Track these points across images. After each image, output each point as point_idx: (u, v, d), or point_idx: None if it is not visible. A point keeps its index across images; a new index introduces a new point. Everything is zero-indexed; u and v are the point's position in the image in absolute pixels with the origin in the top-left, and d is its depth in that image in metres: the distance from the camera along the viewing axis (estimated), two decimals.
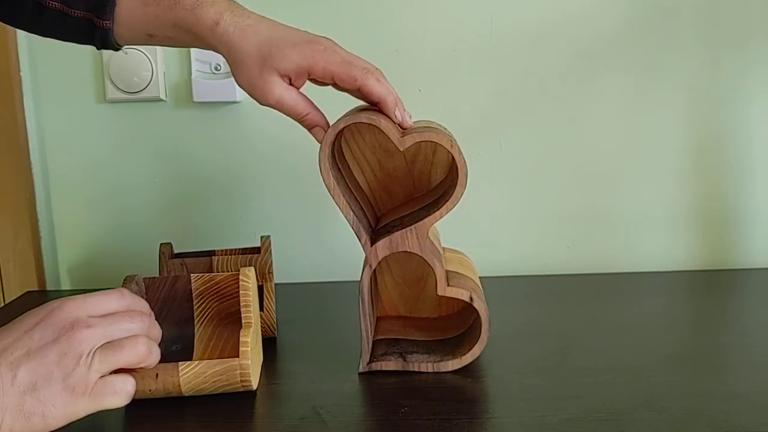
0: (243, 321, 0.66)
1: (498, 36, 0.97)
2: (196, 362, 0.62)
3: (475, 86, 0.99)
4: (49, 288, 1.05)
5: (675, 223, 1.01)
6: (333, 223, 1.01)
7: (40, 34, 0.72)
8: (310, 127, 0.67)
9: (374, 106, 0.66)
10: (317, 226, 1.02)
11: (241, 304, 0.66)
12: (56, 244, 1.05)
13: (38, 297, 1.00)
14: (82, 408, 0.52)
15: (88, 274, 1.05)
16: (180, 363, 0.61)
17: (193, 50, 0.98)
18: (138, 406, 0.60)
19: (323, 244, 1.02)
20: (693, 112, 0.99)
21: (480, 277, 0.76)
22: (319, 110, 0.67)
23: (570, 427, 0.58)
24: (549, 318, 0.84)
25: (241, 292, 0.67)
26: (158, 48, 0.98)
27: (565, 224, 1.02)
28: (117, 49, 0.71)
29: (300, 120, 0.67)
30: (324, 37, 0.67)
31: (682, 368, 0.69)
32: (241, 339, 0.63)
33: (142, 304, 0.60)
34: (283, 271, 0.99)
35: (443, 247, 0.79)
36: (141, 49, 0.98)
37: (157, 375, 0.61)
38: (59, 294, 1.03)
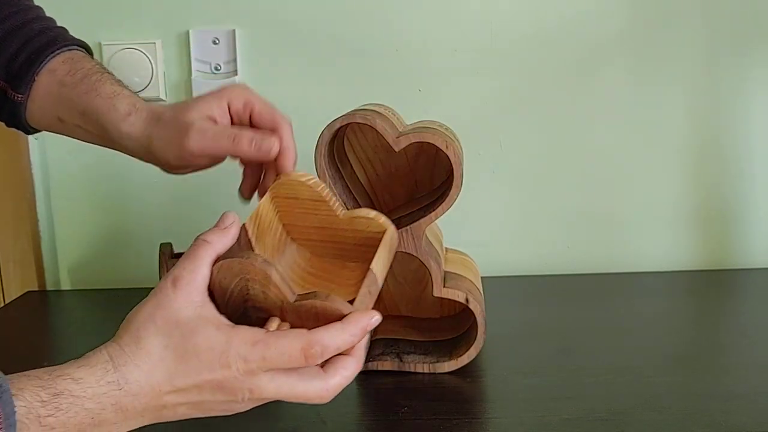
0: None
1: (498, 36, 0.97)
2: None
3: (475, 86, 0.99)
4: (49, 288, 1.05)
5: (675, 223, 1.01)
6: None
7: None
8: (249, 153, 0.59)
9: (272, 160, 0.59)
10: None
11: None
12: (56, 244, 1.05)
13: (38, 297, 1.00)
14: None
15: (88, 274, 1.05)
16: None
17: (193, 50, 0.98)
18: None
19: None
20: (693, 112, 0.99)
21: (481, 278, 0.76)
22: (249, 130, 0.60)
23: (570, 427, 0.58)
24: (549, 318, 0.84)
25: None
26: (158, 48, 0.98)
27: (565, 224, 1.02)
28: (27, 132, 0.67)
29: (232, 147, 0.59)
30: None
31: (682, 368, 0.69)
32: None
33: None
34: None
35: (446, 248, 0.79)
36: (141, 49, 0.98)
37: None
38: (59, 294, 1.03)
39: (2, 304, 0.99)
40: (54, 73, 0.64)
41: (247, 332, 0.47)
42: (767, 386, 0.64)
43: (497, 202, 1.02)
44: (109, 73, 0.65)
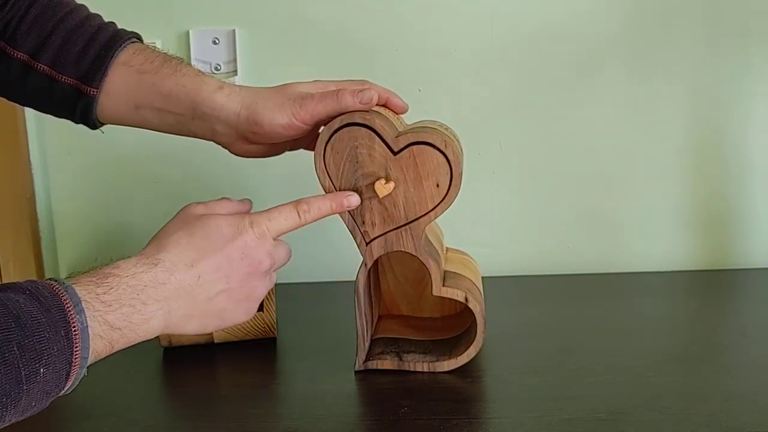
0: None
1: (498, 36, 0.97)
2: None
3: (475, 86, 0.98)
4: None
5: (675, 223, 1.01)
6: (333, 223, 1.01)
7: (20, 102, 0.72)
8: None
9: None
10: (317, 226, 1.02)
11: None
12: (56, 244, 1.05)
13: None
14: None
15: None
16: None
17: (193, 50, 0.97)
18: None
19: (323, 244, 1.02)
20: (693, 112, 0.99)
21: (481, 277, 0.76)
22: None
23: (570, 427, 0.58)
24: (549, 318, 0.84)
25: None
26: (158, 48, 0.98)
27: (565, 224, 1.02)
28: (94, 127, 0.70)
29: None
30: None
31: (682, 368, 0.69)
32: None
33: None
34: (283, 271, 0.99)
35: (447, 248, 0.79)
36: None
37: None
38: None
39: None
40: (128, 65, 0.67)
41: (249, 214, 0.61)
42: (767, 386, 0.64)
43: (497, 202, 1.02)
44: (180, 58, 0.69)
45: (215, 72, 0.98)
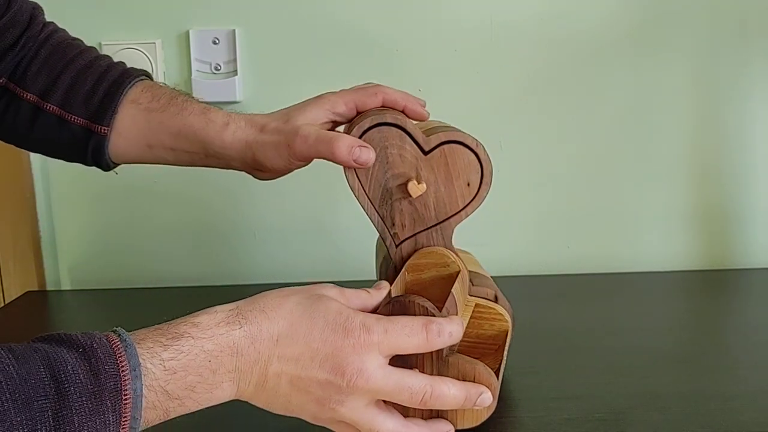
0: None
1: (498, 36, 0.97)
2: None
3: (475, 86, 0.99)
4: (49, 288, 1.05)
5: (675, 223, 1.01)
6: (334, 223, 1.01)
7: (31, 147, 0.71)
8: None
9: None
10: (318, 226, 1.02)
11: None
12: (56, 244, 1.05)
13: (38, 297, 1.00)
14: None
15: (88, 274, 1.05)
16: None
17: (193, 50, 0.98)
18: None
19: (324, 244, 1.02)
20: (693, 111, 0.99)
21: None
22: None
23: (570, 427, 0.58)
24: (549, 318, 0.84)
25: None
26: (158, 48, 0.98)
27: (565, 224, 1.02)
28: (107, 168, 0.69)
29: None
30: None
31: (682, 368, 0.69)
32: None
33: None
34: (284, 272, 0.99)
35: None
36: (141, 49, 0.98)
37: None
38: (59, 294, 1.03)
39: (2, 304, 0.99)
40: (136, 103, 0.66)
41: (371, 315, 0.50)
42: (767, 386, 0.64)
43: (497, 202, 1.02)
44: (187, 93, 0.68)
45: (215, 72, 0.98)
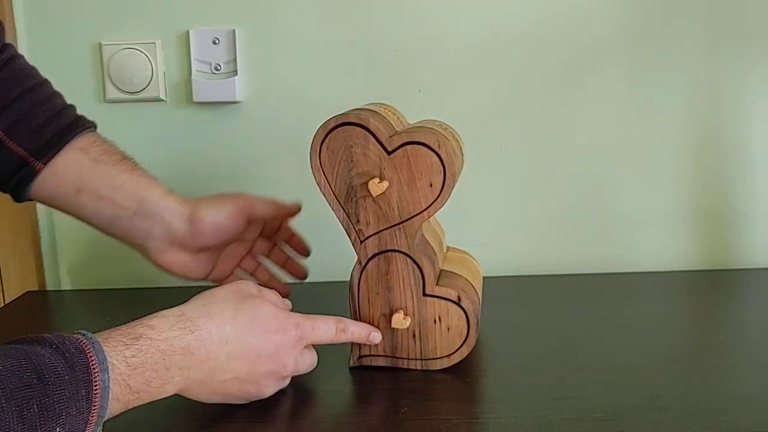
0: None
1: (498, 36, 0.97)
2: None
3: (475, 86, 0.99)
4: (49, 288, 1.05)
5: (675, 223, 1.01)
6: (332, 223, 1.01)
7: None
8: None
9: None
10: (317, 226, 1.02)
11: None
12: (56, 244, 1.05)
13: (38, 297, 1.00)
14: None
15: (88, 274, 1.05)
16: None
17: (193, 50, 0.98)
18: None
19: (323, 244, 1.02)
20: (693, 111, 0.99)
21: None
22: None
23: (570, 427, 0.58)
24: (549, 318, 0.84)
25: None
26: (158, 48, 0.98)
27: (565, 224, 1.02)
28: (19, 200, 0.71)
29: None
30: None
31: (682, 368, 0.69)
32: None
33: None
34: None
35: (448, 247, 0.79)
36: (141, 49, 0.98)
37: None
38: (59, 294, 1.03)
39: (2, 304, 0.99)
40: (84, 151, 0.70)
41: (299, 315, 0.63)
42: (767, 386, 0.64)
43: (497, 202, 1.02)
44: (135, 160, 0.75)
45: (215, 72, 0.98)
